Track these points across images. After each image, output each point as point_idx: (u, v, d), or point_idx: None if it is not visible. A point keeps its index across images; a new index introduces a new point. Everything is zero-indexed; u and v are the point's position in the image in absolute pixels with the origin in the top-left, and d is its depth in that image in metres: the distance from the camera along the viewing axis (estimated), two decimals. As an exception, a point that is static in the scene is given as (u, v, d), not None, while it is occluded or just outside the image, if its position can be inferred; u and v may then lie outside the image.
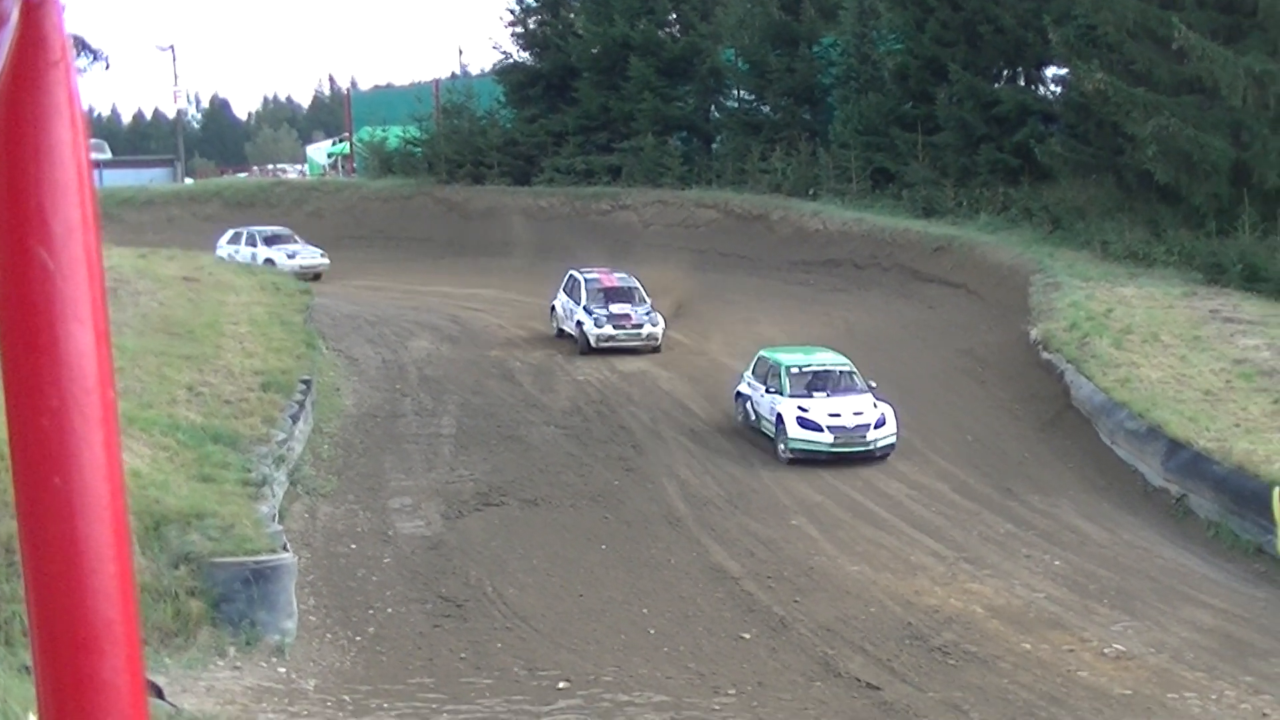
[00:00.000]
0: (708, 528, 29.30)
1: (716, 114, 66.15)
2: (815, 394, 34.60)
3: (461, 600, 25.04)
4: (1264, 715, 21.40)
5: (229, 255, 57.56)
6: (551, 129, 66.94)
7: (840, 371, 35.73)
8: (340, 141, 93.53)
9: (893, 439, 33.87)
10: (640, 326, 43.09)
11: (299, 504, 28.57)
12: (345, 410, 35.70)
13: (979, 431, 35.50)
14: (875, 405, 34.25)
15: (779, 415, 33.98)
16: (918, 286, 47.82)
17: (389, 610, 24.45)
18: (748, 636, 24.14)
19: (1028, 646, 23.93)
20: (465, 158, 68.79)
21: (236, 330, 36.13)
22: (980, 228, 49.57)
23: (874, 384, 35.29)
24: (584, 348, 42.79)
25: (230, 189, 77.38)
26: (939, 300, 46.25)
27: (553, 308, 45.48)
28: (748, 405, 35.89)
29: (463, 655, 22.82)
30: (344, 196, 71.33)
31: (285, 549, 22.89)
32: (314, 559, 26.08)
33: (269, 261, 56.78)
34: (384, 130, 75.78)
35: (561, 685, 21.61)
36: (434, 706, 20.68)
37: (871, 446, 33.53)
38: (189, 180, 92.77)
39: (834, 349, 37.63)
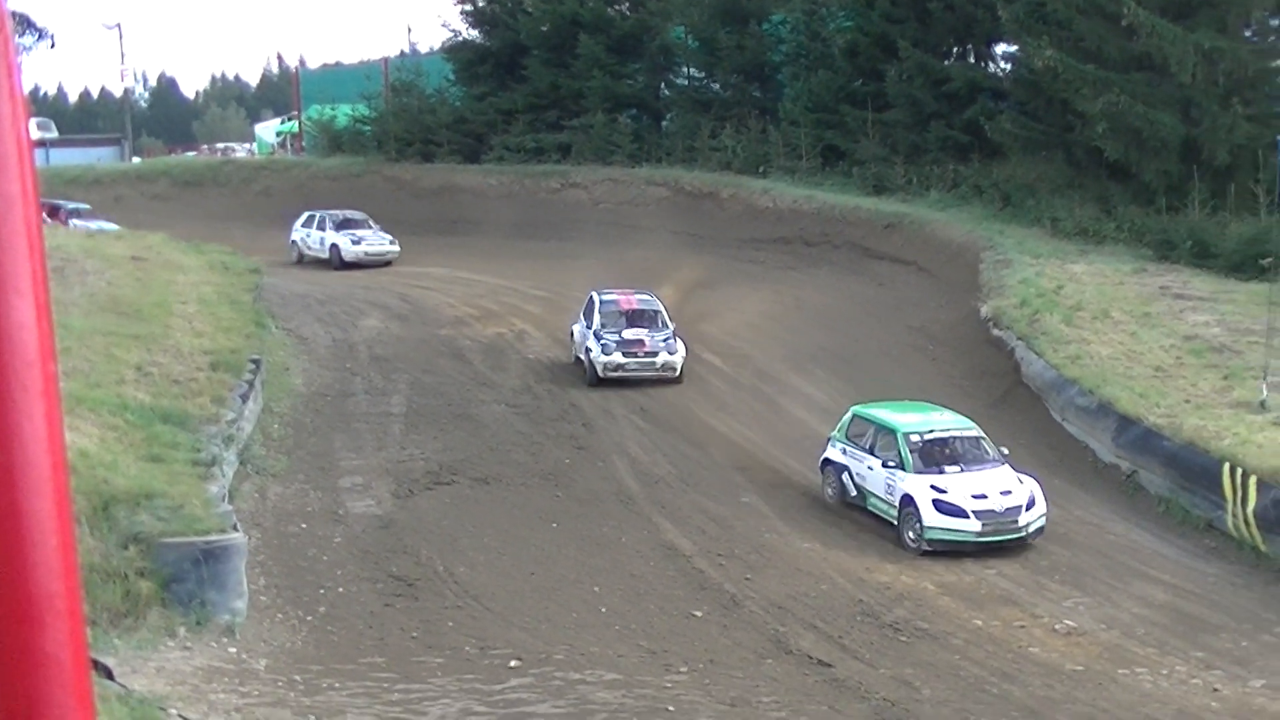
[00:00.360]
0: (659, 505, 29.29)
1: (666, 91, 66.05)
2: (946, 468, 28.43)
3: (413, 579, 24.96)
4: (1214, 690, 21.49)
5: (302, 239, 57.20)
6: (501, 107, 66.78)
7: (967, 437, 29.61)
8: (289, 120, 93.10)
9: (1043, 520, 27.93)
10: (654, 354, 37.87)
11: (249, 484, 28.44)
12: (295, 389, 35.58)
13: (930, 408, 35.54)
14: (1020, 480, 28.29)
15: (908, 497, 27.89)
16: (868, 264, 47.87)
17: (340, 589, 24.35)
18: (699, 614, 24.12)
19: (979, 623, 23.99)
20: (414, 136, 68.58)
21: (185, 309, 35.93)
22: (931, 205, 49.65)
23: (1006, 450, 29.50)
24: (591, 379, 37.71)
25: (179, 168, 76.99)
26: (889, 277, 46.31)
27: (571, 332, 40.38)
28: (845, 478, 30.01)
29: (414, 634, 22.74)
30: (293, 175, 70.98)
31: (235, 529, 22.75)
32: (264, 539, 25.96)
33: (334, 247, 56.17)
34: (333, 109, 75.48)
35: (513, 663, 21.54)
36: (385, 685, 20.59)
37: (1024, 533, 27.52)
38: (137, 159, 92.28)
39: (952, 409, 31.38)
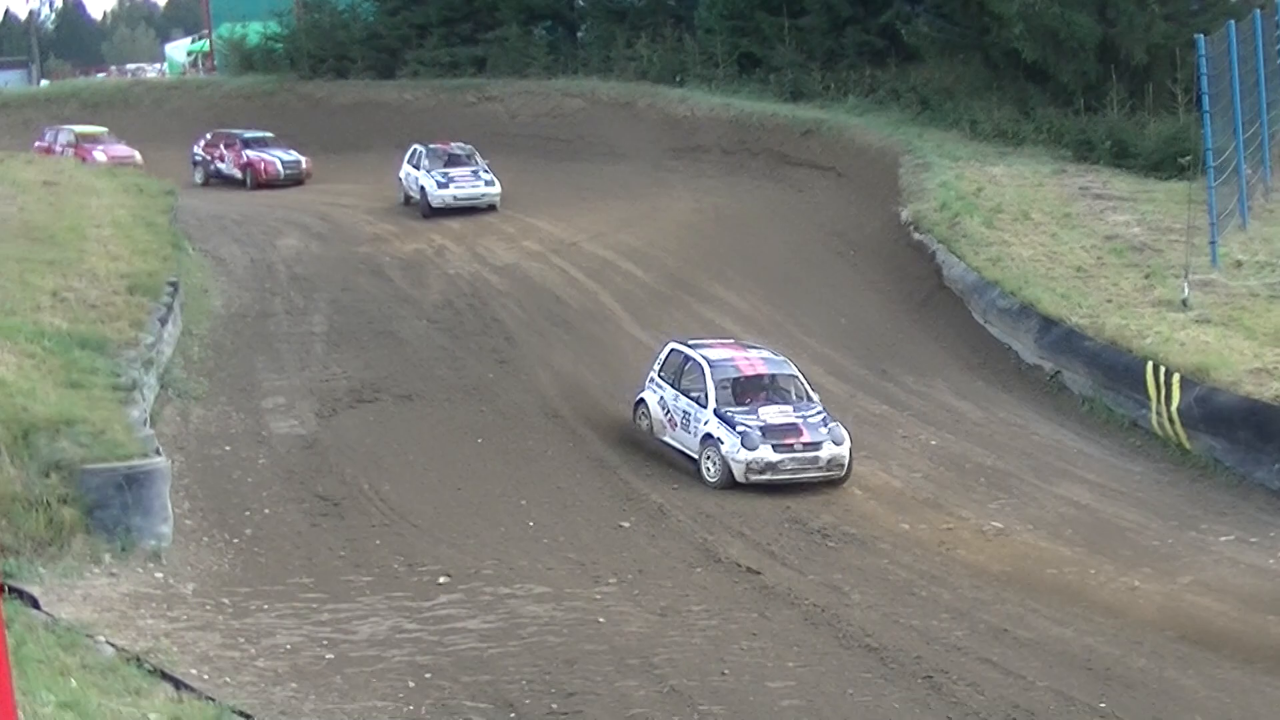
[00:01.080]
0: (584, 418, 29.21)
1: (581, 2, 65.46)
2: None
3: (339, 499, 24.86)
4: (1142, 587, 21.70)
5: (405, 178, 49.77)
6: (414, 21, 66.04)
7: None
8: (199, 39, 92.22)
9: None
10: (816, 446, 26.01)
11: (170, 407, 28.22)
12: (214, 311, 35.25)
13: (851, 314, 35.59)
14: None
15: None
16: (787, 170, 47.75)
17: (266, 511, 24.22)
18: (627, 525, 24.15)
19: (906, 527, 24.12)
20: (327, 53, 67.83)
21: (100, 234, 35.52)
22: (848, 110, 49.58)
23: None
24: (722, 481, 26.12)
25: (88, 90, 76.09)
26: (808, 184, 46.21)
27: (640, 402, 28.98)
28: None
29: (341, 553, 22.67)
30: (205, 95, 70.24)
31: (158, 453, 22.59)
32: (188, 462, 25.76)
33: (422, 190, 47.97)
34: (244, 27, 74.58)
35: (442, 580, 21.53)
36: (314, 606, 20.55)
37: None
38: (45, 82, 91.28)
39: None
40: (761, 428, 26.14)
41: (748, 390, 27.50)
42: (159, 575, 20.99)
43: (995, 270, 33.39)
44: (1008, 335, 32.24)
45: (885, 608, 20.95)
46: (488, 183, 48.32)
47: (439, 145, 50.14)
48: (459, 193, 47.63)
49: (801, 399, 27.44)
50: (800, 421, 26.43)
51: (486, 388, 30.91)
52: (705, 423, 26.76)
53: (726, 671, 18.54)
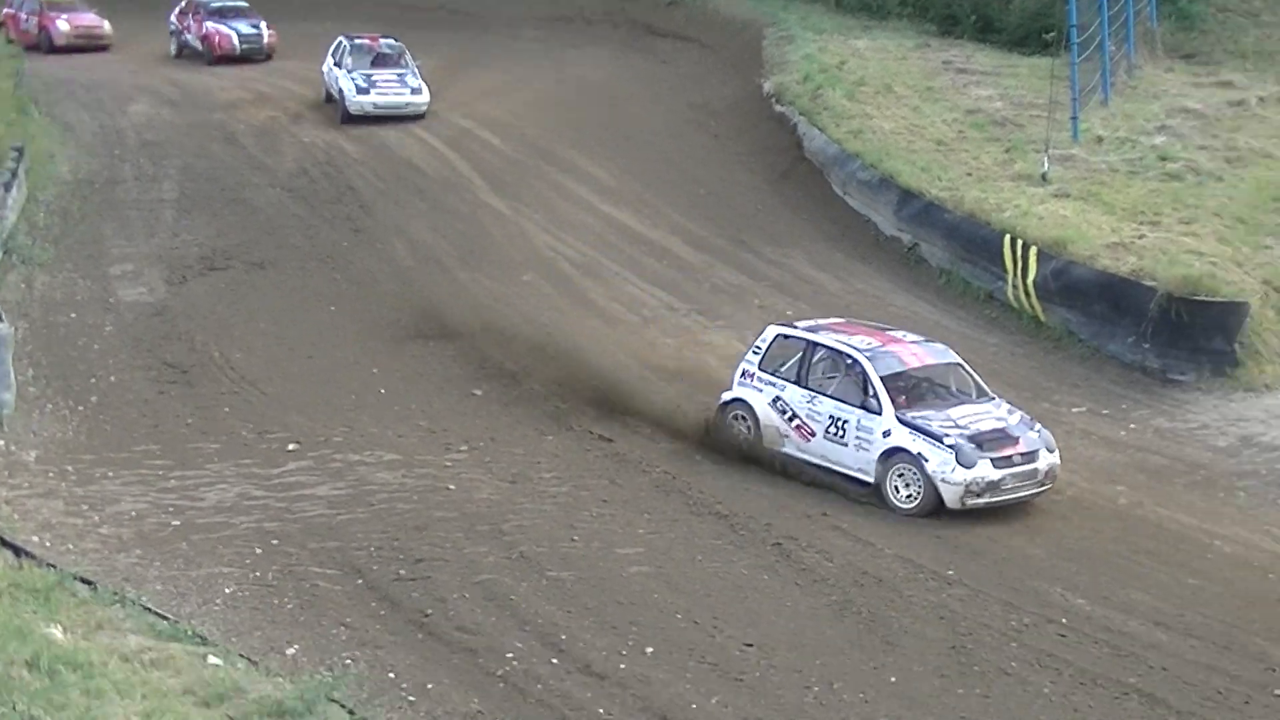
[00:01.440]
0: (438, 285, 28.94)
1: None
2: None
3: (187, 366, 24.65)
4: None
5: (328, 74, 43.04)
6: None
7: None
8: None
9: None
10: (1032, 457, 20.49)
11: (14, 274, 27.80)
12: (61, 178, 34.54)
13: (711, 184, 35.39)
14: None
15: None
16: (650, 41, 47.37)
17: (112, 378, 23.98)
18: (479, 393, 24.07)
19: (760, 395, 24.03)
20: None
21: (-60, 100, 34.78)
22: (714, -18, 49.21)
23: None
24: (927, 508, 20.30)
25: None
26: (672, 55, 45.86)
27: (735, 403, 22.61)
28: None
29: (189, 421, 22.50)
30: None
31: (0, 319, 22.19)
32: (32, 329, 25.43)
33: (340, 93, 41.63)
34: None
35: (291, 447, 21.46)
36: (160, 473, 20.43)
37: None
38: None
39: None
40: (970, 437, 20.48)
41: (910, 387, 21.72)
42: (0, 442, 20.64)
43: (856, 143, 33.39)
44: (867, 207, 32.25)
45: (736, 476, 21.01)
46: (414, 90, 41.78)
47: (366, 40, 43.68)
48: (380, 100, 41.30)
49: (969, 392, 21.86)
50: (1011, 427, 21.02)
51: (340, 256, 30.57)
52: (887, 434, 20.86)
53: (576, 538, 18.59)
